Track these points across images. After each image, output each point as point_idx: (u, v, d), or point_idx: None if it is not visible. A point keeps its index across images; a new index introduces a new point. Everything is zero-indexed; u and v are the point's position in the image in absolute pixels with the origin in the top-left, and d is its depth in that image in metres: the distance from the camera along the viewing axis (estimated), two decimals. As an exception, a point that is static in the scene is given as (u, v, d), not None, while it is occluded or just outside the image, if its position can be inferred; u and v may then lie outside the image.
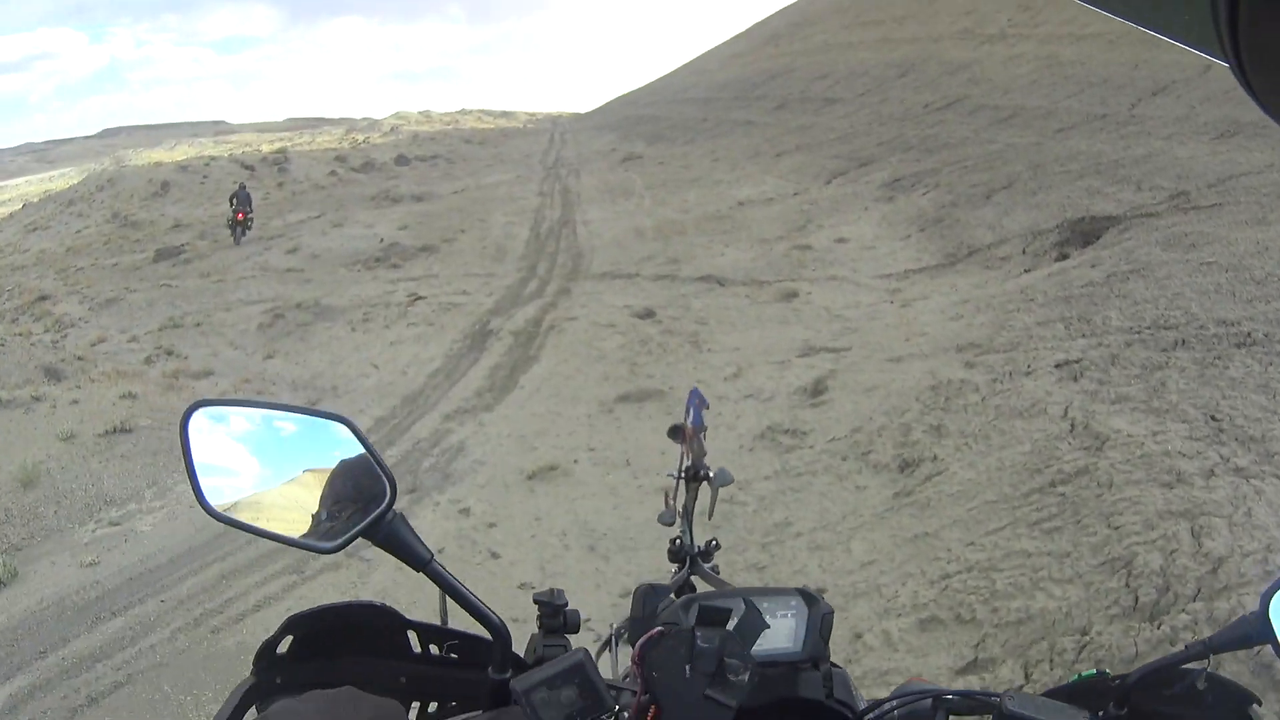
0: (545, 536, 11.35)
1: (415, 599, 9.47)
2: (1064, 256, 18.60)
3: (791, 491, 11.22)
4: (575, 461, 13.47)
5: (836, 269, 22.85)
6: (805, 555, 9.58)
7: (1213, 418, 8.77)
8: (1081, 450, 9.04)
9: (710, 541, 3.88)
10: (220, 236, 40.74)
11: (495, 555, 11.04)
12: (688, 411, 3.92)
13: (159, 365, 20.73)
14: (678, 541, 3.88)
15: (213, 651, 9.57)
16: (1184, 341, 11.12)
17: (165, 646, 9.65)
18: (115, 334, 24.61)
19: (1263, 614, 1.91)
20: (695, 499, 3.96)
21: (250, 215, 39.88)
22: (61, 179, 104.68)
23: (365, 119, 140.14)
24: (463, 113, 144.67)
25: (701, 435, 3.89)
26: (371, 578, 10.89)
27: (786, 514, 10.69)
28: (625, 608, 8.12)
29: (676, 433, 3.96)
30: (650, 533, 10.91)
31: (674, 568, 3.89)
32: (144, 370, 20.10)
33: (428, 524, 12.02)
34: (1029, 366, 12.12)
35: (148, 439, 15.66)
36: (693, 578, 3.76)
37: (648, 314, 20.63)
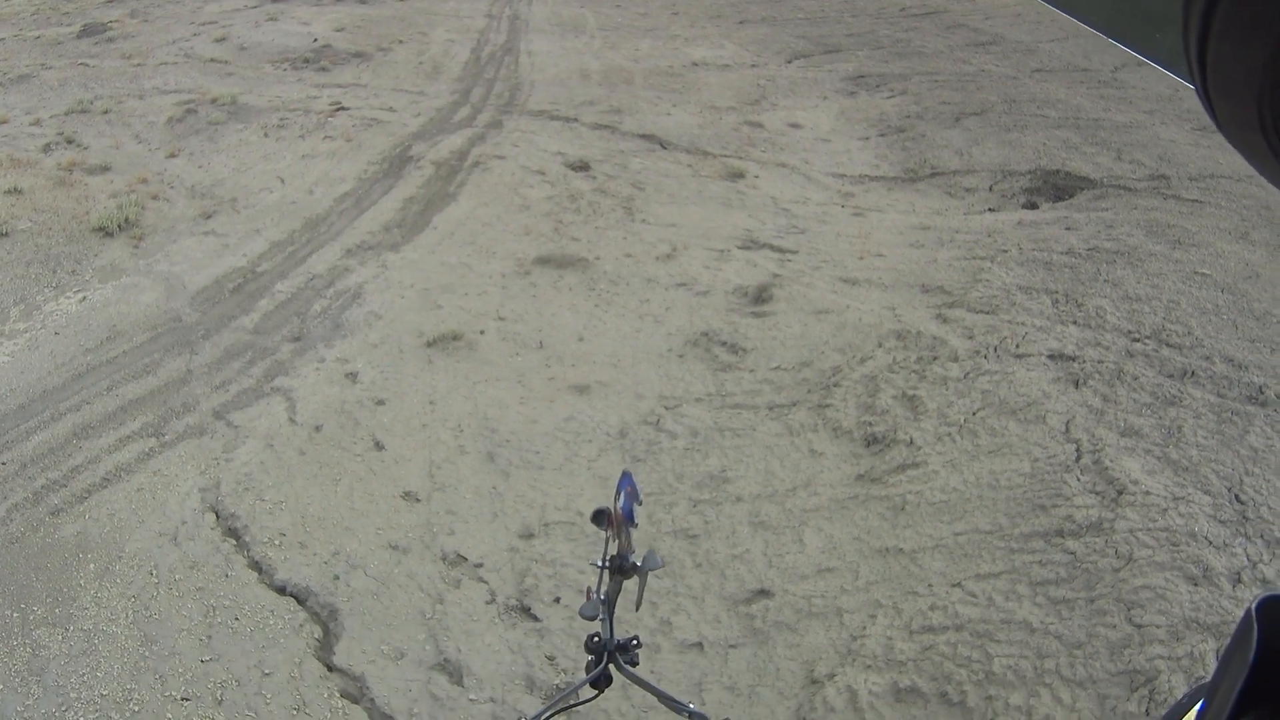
0: (438, 429, 10.17)
1: (280, 487, 8.27)
2: (1033, 205, 17.72)
3: (731, 432, 10.02)
4: (482, 332, 12.28)
5: (787, 155, 21.59)
6: (747, 533, 8.45)
7: (1238, 498, 7.90)
8: (1094, 495, 8.02)
9: (631, 639, 3.51)
10: (151, 16, 38.06)
11: (379, 446, 9.88)
12: (617, 495, 3.39)
13: (56, 154, 19.08)
14: (596, 637, 3.49)
15: (49, 543, 8.48)
16: (1193, 373, 10.17)
17: (-5, 530, 8.48)
18: (20, 115, 22.61)
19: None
20: (619, 590, 3.56)
21: None
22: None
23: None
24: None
25: (630, 527, 3.40)
26: (237, 451, 9.68)
27: (724, 462, 9.52)
28: (524, 552, 6.72)
29: (601, 518, 3.46)
30: (558, 449, 9.80)
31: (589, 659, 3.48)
32: (39, 159, 18.55)
33: (308, 386, 10.88)
34: (1018, 347, 10.98)
35: (24, 245, 14.39)
36: (610, 668, 3.44)
37: (581, 166, 19.33)
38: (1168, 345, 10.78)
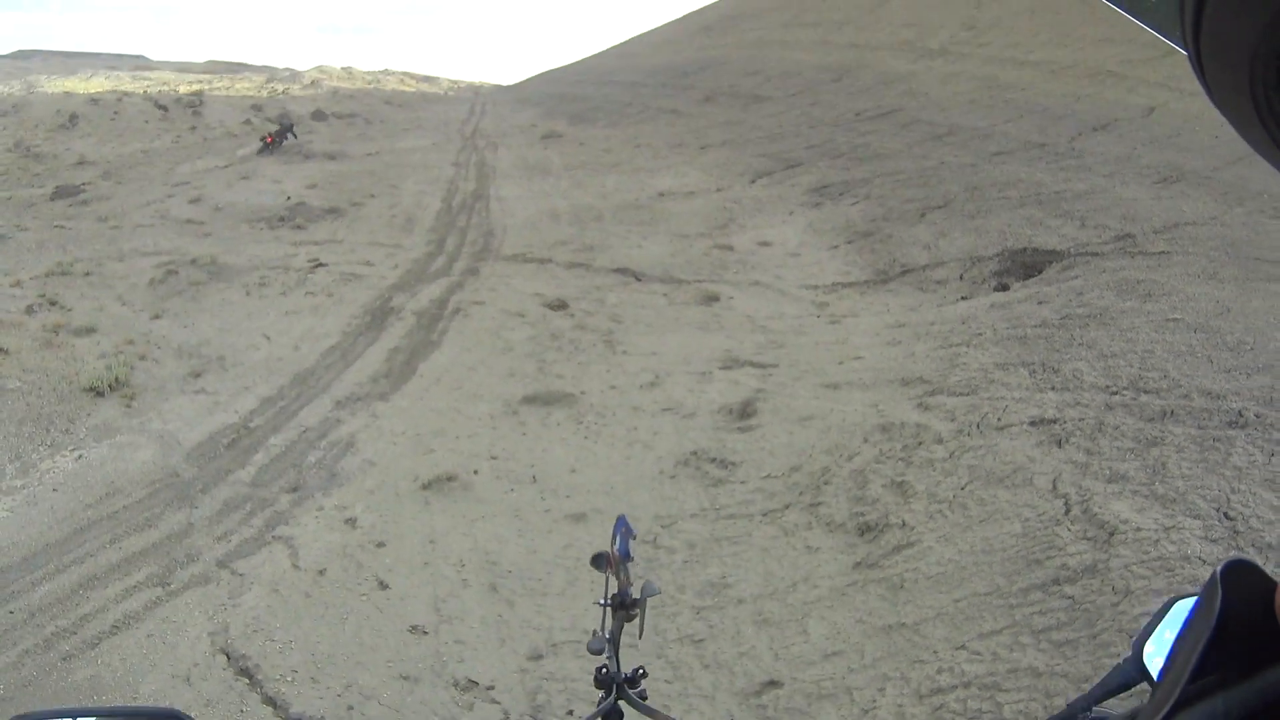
0: (440, 565, 10.20)
1: (289, 628, 8.35)
2: (1004, 287, 18.03)
3: (728, 541, 10.12)
4: (475, 472, 12.34)
5: (760, 274, 22.04)
6: (751, 631, 8.52)
7: (1226, 515, 7.93)
8: (1086, 541, 8.10)
9: (637, 670, 3.72)
10: (124, 178, 39.22)
11: (384, 585, 9.91)
12: (614, 539, 3.83)
13: (40, 316, 19.15)
14: (604, 669, 3.69)
15: (63, 686, 8.47)
16: (1172, 413, 10.24)
17: (9, 675, 8.55)
18: None
19: (1136, 658, 2.16)
20: (622, 626, 3.81)
21: (282, 139, 46.27)
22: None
23: (287, 69, 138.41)
24: (385, 73, 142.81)
25: (628, 564, 3.80)
26: (244, 597, 9.75)
27: (723, 570, 9.60)
28: (534, 672, 6.85)
29: (600, 561, 3.81)
30: (560, 575, 9.87)
31: (599, 695, 3.72)
32: (23, 321, 18.62)
33: (309, 534, 10.91)
34: (1000, 420, 11.12)
35: (15, 404, 14.40)
36: (620, 703, 3.63)
37: (560, 305, 19.62)
38: (1145, 392, 10.93)
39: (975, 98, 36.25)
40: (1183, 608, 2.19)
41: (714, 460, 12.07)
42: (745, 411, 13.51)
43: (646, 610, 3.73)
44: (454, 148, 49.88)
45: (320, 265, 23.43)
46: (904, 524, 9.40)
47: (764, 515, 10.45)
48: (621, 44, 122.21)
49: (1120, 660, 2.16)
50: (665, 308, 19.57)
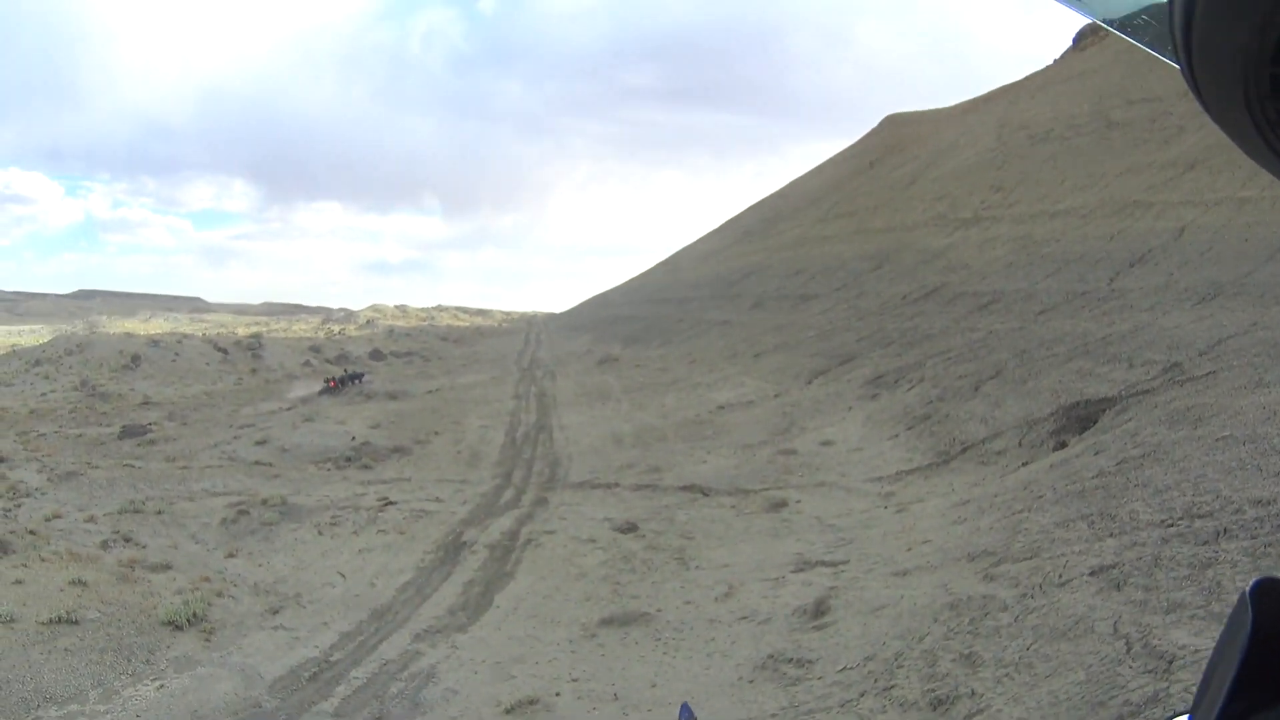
0: (527, 788, 10.19)
1: None
2: (1062, 445, 18.07)
3: (806, 735, 10.04)
4: (557, 694, 12.29)
5: (824, 474, 22.11)
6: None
7: None
8: (1148, 675, 8.12)
9: None
10: (189, 419, 40.25)
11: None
12: None
13: (115, 552, 19.46)
14: None
15: None
16: (1226, 530, 10.32)
17: None
18: (73, 511, 23.27)
19: None
20: None
21: (346, 385, 48.33)
22: (32, 335, 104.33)
23: (342, 309, 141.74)
24: (438, 309, 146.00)
25: None
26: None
27: (803, 763, 9.55)
28: None
29: None
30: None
31: None
32: (99, 555, 18.89)
33: (395, 764, 10.92)
34: (1060, 576, 11.13)
35: (95, 634, 14.53)
36: None
37: (630, 528, 19.59)
38: (1198, 517, 10.93)
39: (1013, 260, 36.76)
40: None
41: (791, 660, 12.02)
42: (819, 610, 13.46)
43: None
44: (513, 380, 50.90)
45: (390, 503, 23.57)
46: (973, 693, 9.38)
47: (841, 706, 10.39)
48: (665, 260, 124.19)
49: None
50: (734, 519, 19.53)
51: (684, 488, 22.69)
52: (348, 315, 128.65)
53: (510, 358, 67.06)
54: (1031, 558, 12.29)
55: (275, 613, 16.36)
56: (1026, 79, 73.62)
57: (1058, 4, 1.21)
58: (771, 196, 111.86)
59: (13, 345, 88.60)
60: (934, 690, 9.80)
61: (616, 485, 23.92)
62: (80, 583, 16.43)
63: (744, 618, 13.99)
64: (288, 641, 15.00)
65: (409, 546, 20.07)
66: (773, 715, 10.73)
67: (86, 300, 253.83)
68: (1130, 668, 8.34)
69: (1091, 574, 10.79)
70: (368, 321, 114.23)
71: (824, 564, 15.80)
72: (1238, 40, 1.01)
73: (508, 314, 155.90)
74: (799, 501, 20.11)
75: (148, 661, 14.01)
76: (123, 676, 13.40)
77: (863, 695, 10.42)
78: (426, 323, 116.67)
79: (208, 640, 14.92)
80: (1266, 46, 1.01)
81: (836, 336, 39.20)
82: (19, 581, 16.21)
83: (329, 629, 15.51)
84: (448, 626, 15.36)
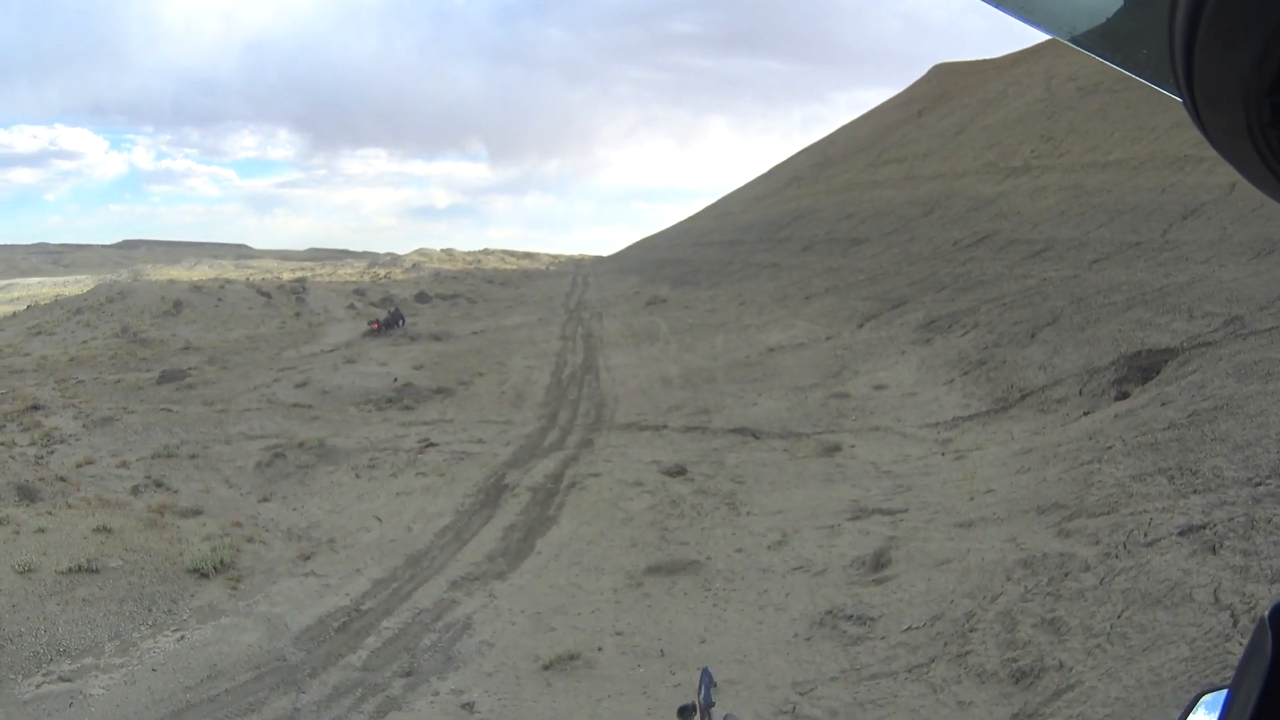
0: (566, 754, 9.45)
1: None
2: (1124, 395, 17.42)
3: (873, 705, 9.23)
4: (599, 649, 11.59)
5: (879, 418, 21.48)
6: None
7: None
8: None
9: None
10: (229, 363, 40.14)
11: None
12: (699, 689, 3.99)
13: (145, 497, 19.15)
14: None
15: None
16: None
17: None
18: (106, 456, 23.12)
19: None
20: None
21: (390, 327, 48.60)
22: (76, 285, 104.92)
23: (388, 254, 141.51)
24: (485, 252, 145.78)
25: (711, 710, 3.94)
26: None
27: (871, 740, 8.73)
28: None
29: (686, 712, 4.04)
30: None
31: None
32: (129, 501, 18.56)
33: (423, 719, 10.21)
34: (1146, 535, 10.24)
35: (116, 583, 14.10)
36: None
37: (678, 471, 18.90)
38: None
39: (1065, 209, 36.05)
40: (1212, 701, 2.02)
41: (851, 617, 11.21)
42: (879, 562, 12.65)
43: None
44: (559, 321, 50.56)
45: (431, 445, 23.15)
46: (1061, 665, 8.49)
47: (909, 672, 9.57)
48: (713, 204, 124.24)
49: None
50: (787, 464, 18.85)
51: (734, 430, 22.04)
52: (393, 259, 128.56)
53: (557, 299, 67.02)
54: (1109, 513, 11.43)
55: (307, 559, 15.88)
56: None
57: (1069, 45, 1.25)
58: (820, 142, 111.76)
59: (56, 296, 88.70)
60: (1015, 660, 8.90)
61: (664, 427, 23.31)
62: (105, 530, 15.98)
63: (798, 568, 13.23)
64: (318, 589, 14.48)
65: (449, 489, 19.53)
66: (833, 678, 9.93)
67: (132, 250, 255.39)
68: (1240, 644, 7.49)
69: (1181, 534, 9.89)
70: (413, 265, 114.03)
71: (881, 512, 14.99)
72: (1238, 70, 1.00)
73: (555, 257, 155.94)
74: (853, 446, 19.42)
75: (169, 611, 13.55)
76: (142, 628, 12.97)
77: (933, 661, 9.57)
78: (473, 266, 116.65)
79: (234, 588, 14.45)
80: (1267, 76, 1.00)
81: (887, 280, 38.67)
82: (41, 530, 15.74)
83: (361, 576, 15.00)
84: (486, 574, 14.77)
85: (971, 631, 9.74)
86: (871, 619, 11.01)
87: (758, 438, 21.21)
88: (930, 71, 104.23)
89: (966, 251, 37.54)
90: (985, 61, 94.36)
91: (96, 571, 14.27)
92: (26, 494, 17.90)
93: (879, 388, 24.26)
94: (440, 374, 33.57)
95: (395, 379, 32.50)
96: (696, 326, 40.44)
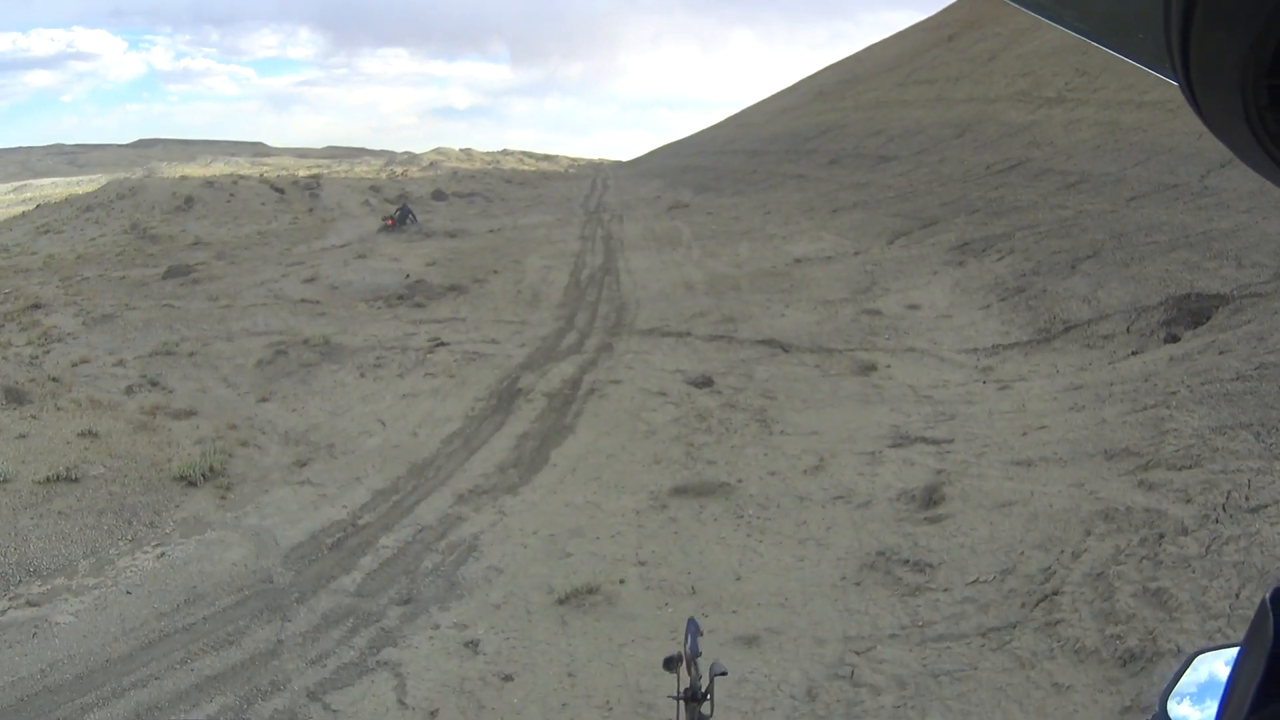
0: (582, 709, 8.27)
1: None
2: (1174, 338, 16.64)
3: (948, 677, 7.91)
4: (621, 581, 10.47)
5: (913, 339, 20.53)
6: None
7: None
8: None
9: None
10: (238, 258, 38.87)
11: (510, 736, 8.12)
12: (686, 639, 4.37)
13: (138, 397, 18.47)
14: None
15: None
16: None
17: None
18: (103, 355, 22.27)
19: (1162, 714, 2.15)
20: (695, 716, 4.17)
21: (403, 222, 47.61)
22: (90, 185, 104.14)
23: (405, 152, 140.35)
24: (504, 153, 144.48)
25: (698, 660, 4.30)
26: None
27: (949, 721, 7.50)
28: None
29: (672, 663, 4.27)
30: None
31: None
32: (121, 402, 17.94)
33: (421, 659, 9.19)
34: (1248, 499, 8.99)
35: (96, 493, 13.23)
36: None
37: (704, 382, 17.94)
38: None
39: (1100, 143, 34.95)
40: (1206, 660, 2.22)
41: (905, 562, 10.04)
42: (931, 498, 11.52)
43: (714, 691, 4.05)
44: (578, 222, 49.65)
45: (441, 344, 22.19)
46: (1179, 650, 7.22)
47: (983, 637, 8.26)
48: (736, 114, 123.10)
49: (1148, 718, 1.32)
50: (819, 380, 17.88)
51: (762, 341, 21.04)
52: (411, 158, 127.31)
53: (576, 201, 65.92)
54: (1192, 467, 10.25)
55: (303, 465, 14.94)
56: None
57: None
58: (847, 59, 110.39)
59: (67, 196, 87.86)
60: (1120, 638, 7.57)
61: (688, 334, 22.33)
62: (91, 434, 15.16)
63: (839, 497, 12.13)
64: (313, 500, 13.50)
65: (459, 392, 18.60)
66: (892, 635, 8.70)
67: (147, 149, 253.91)
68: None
69: (1290, 501, 8.67)
70: (431, 164, 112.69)
71: (925, 441, 13.89)
72: (1235, 54, 0.99)
73: (574, 160, 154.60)
74: (889, 366, 18.46)
75: (151, 525, 12.63)
76: (120, 543, 12.10)
77: (1014, 627, 8.27)
78: (492, 166, 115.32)
79: (223, 498, 13.53)
80: (1264, 59, 0.99)
81: (918, 199, 37.72)
82: (22, 435, 14.96)
83: (361, 485, 14.02)
84: (496, 487, 13.75)
85: (1056, 595, 8.48)
86: (930, 565, 9.85)
87: (787, 351, 20.26)
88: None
89: (999, 176, 36.55)
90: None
91: (76, 481, 13.40)
92: (14, 396, 17.09)
93: (911, 307, 23.29)
94: (454, 271, 32.61)
95: (407, 275, 31.55)
96: (720, 233, 39.31)
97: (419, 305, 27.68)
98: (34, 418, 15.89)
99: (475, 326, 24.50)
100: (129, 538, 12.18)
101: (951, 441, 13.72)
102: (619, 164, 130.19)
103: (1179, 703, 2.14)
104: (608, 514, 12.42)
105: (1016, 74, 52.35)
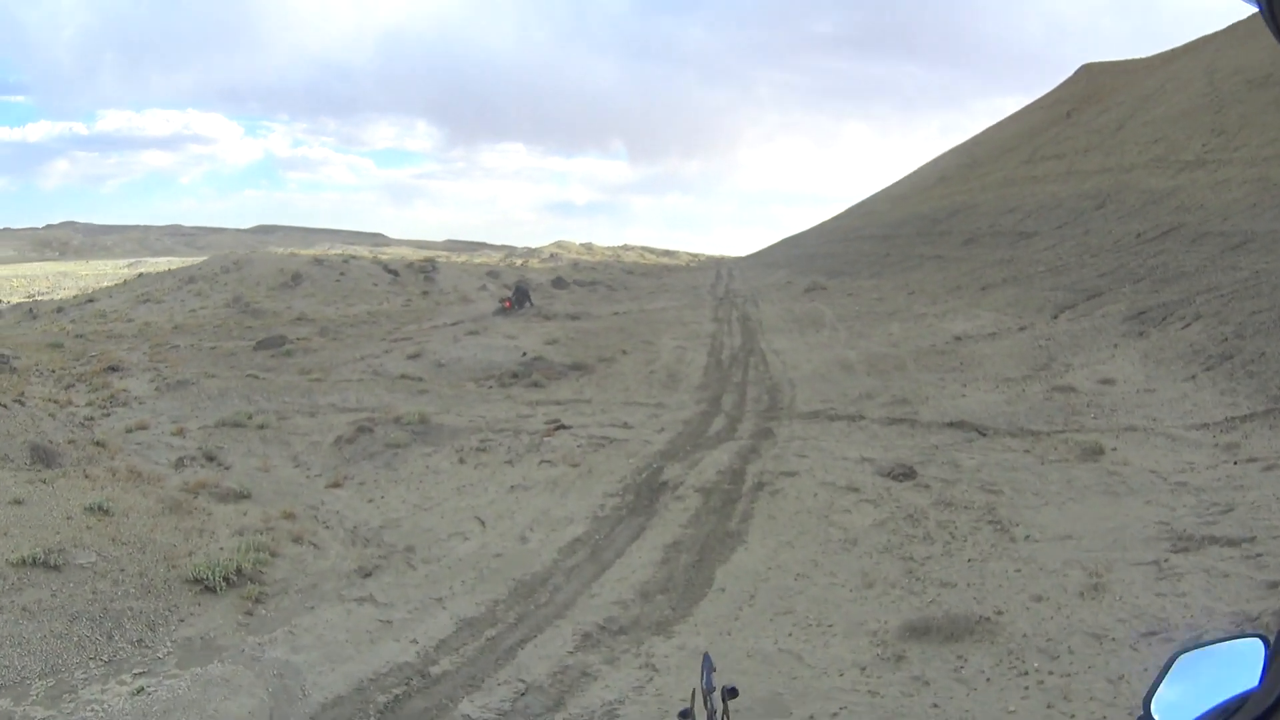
0: None
1: None
2: None
3: None
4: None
5: (1125, 417, 17.73)
6: None
7: None
8: None
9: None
10: (341, 334, 37.24)
11: None
12: (702, 675, 3.99)
13: (186, 472, 16.39)
14: None
15: None
16: None
17: None
18: (164, 422, 20.44)
19: (1146, 716, 2.20)
20: None
21: (521, 304, 45.33)
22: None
23: (525, 247, 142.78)
24: (625, 248, 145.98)
25: (713, 695, 3.89)
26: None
27: None
28: None
29: (687, 716, 3.89)
30: None
31: None
32: (164, 475, 15.79)
33: None
34: None
35: (78, 589, 10.49)
36: None
37: (905, 474, 14.64)
38: None
39: (1255, 201, 33.10)
40: (1188, 661, 2.24)
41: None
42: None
43: (730, 714, 3.72)
44: (709, 306, 48.08)
45: (562, 427, 19.38)
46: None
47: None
48: (854, 206, 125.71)
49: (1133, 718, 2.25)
50: (1040, 469, 14.70)
51: (951, 424, 18.05)
52: (531, 251, 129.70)
53: (703, 288, 64.63)
54: None
55: (368, 575, 11.74)
56: (1231, 27, 70.00)
57: None
58: (965, 143, 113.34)
59: (169, 268, 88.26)
60: None
61: (861, 417, 19.28)
62: (100, 510, 12.41)
63: (1151, 633, 8.50)
64: (372, 627, 10.09)
65: (583, 485, 15.36)
66: None
67: (266, 235, 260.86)
68: None
69: None
70: (551, 255, 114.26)
71: (1215, 541, 10.61)
72: None
73: (694, 255, 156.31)
74: (1115, 449, 15.31)
75: (139, 642, 9.59)
76: (91, 664, 9.15)
77: None
78: (613, 259, 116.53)
79: (248, 614, 10.33)
80: None
81: (1071, 272, 36.26)
82: (18, 501, 12.49)
83: (442, 610, 10.65)
84: (639, 623, 10.16)
85: None
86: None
87: (984, 435, 17.27)
88: (1078, 72, 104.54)
89: (1154, 244, 35.00)
90: (1134, 61, 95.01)
91: (57, 569, 10.66)
92: (42, 456, 15.66)
93: (1105, 382, 20.82)
94: (577, 350, 30.16)
95: (524, 353, 28.87)
96: (864, 314, 37.59)
97: (536, 385, 25.04)
98: (45, 483, 13.62)
99: (603, 408, 21.76)
100: (104, 658, 9.23)
101: (1253, 540, 10.48)
102: (738, 259, 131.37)
103: (1162, 703, 2.16)
104: (816, 671, 8.69)
105: (1148, 141, 51.42)
